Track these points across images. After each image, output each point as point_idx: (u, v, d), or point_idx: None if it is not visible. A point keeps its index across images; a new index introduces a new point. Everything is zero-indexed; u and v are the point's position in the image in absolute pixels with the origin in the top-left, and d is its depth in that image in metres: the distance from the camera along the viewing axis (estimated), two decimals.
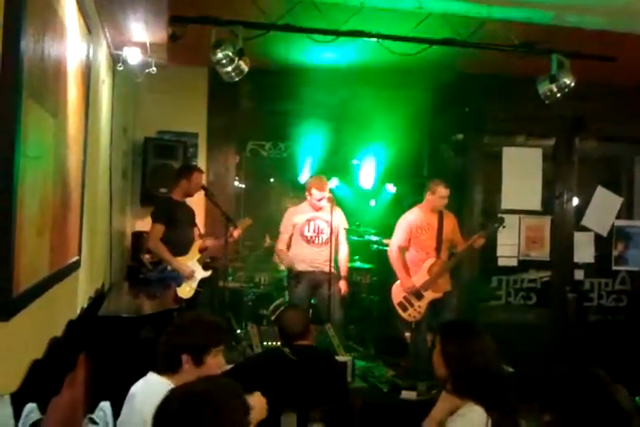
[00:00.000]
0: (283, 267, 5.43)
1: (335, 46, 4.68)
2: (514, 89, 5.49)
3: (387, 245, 5.69)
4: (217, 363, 2.27)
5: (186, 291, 4.79)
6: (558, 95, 4.64)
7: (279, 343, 3.38)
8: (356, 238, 6.20)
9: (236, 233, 5.06)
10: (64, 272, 2.39)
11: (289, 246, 5.39)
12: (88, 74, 2.81)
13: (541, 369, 1.95)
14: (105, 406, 2.56)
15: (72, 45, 2.35)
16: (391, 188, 7.02)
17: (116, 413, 2.41)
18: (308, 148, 6.66)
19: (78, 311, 2.95)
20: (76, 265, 2.71)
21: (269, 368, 3.13)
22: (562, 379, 1.89)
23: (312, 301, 5.47)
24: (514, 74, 5.29)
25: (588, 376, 1.86)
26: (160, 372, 2.25)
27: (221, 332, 2.33)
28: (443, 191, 5.11)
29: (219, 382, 1.68)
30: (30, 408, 1.83)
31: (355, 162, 7.19)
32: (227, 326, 2.49)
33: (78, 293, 2.93)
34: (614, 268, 6.33)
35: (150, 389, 2.17)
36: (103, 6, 3.08)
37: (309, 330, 3.33)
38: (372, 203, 7.24)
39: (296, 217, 5.37)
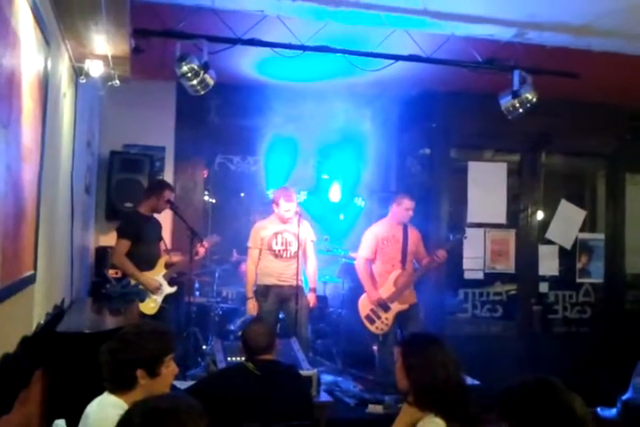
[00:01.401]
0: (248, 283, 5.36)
1: (301, 61, 4.72)
2: (480, 105, 5.57)
3: (354, 259, 5.71)
4: (171, 371, 2.23)
5: (150, 307, 4.72)
6: (520, 111, 4.73)
7: (243, 358, 3.33)
8: (324, 252, 6.20)
9: (202, 250, 5.01)
10: (17, 287, 2.33)
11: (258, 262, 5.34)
12: (46, 86, 2.78)
13: (507, 381, 1.96)
14: (60, 424, 2.50)
15: (27, 57, 2.32)
16: (360, 202, 7.05)
17: None
18: (277, 162, 6.66)
19: (34, 327, 2.88)
20: (31, 279, 2.65)
21: (233, 383, 3.09)
22: (519, 387, 1.91)
23: (280, 315, 5.44)
24: (479, 90, 5.38)
25: (545, 384, 1.88)
26: (114, 391, 2.18)
27: (168, 339, 2.28)
28: (408, 203, 5.20)
29: (180, 399, 1.67)
30: None
31: (324, 176, 7.20)
32: (170, 331, 2.42)
33: (34, 308, 2.87)
34: (578, 280, 6.43)
35: (103, 411, 2.11)
36: (63, 17, 3.05)
37: (274, 344, 3.30)
38: (341, 217, 7.25)
39: (263, 231, 5.32)
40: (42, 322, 3.08)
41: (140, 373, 2.13)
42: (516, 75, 4.66)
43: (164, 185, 5.06)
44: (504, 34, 4.38)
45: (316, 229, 5.64)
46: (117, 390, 2.15)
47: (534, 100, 4.69)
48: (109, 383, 2.18)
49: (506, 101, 4.78)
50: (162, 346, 2.21)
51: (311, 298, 5.32)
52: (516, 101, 4.72)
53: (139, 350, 2.15)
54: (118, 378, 2.16)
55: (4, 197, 2.04)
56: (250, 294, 5.25)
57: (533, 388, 1.87)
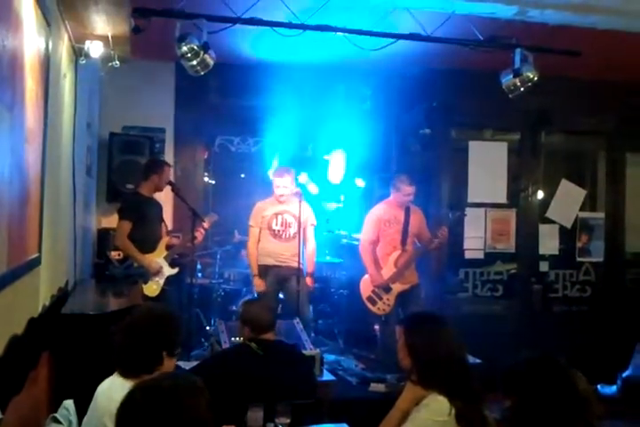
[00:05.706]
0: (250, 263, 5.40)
1: (302, 41, 4.67)
2: (480, 84, 5.53)
3: (356, 240, 5.72)
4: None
5: (152, 289, 4.74)
6: (522, 89, 4.70)
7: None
8: (325, 233, 6.22)
9: (199, 235, 4.99)
10: (23, 269, 2.34)
11: (258, 241, 5.37)
12: (47, 67, 2.76)
13: (508, 360, 1.99)
14: (68, 404, 2.53)
15: (29, 38, 2.30)
16: (360, 182, 7.04)
17: (81, 411, 2.39)
18: (277, 143, 6.64)
19: (40, 309, 2.90)
20: (36, 262, 2.66)
21: (237, 363, 3.13)
22: (523, 365, 1.94)
23: (280, 296, 5.47)
24: (480, 68, 5.33)
25: (548, 363, 1.91)
26: (127, 375, 2.21)
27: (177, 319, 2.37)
28: (407, 189, 5.18)
29: (181, 377, 1.69)
30: None
31: (325, 157, 7.18)
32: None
33: (40, 290, 2.88)
34: (578, 259, 6.45)
35: (111, 393, 2.14)
36: None
37: (275, 323, 3.33)
38: (342, 198, 7.24)
39: (265, 211, 5.36)
40: (47, 304, 3.10)
41: (164, 354, 2.21)
42: (518, 53, 4.62)
43: (162, 163, 5.12)
44: (505, 12, 4.34)
45: (317, 210, 5.64)
46: (132, 373, 2.19)
47: (535, 78, 4.66)
48: (126, 367, 2.21)
49: (507, 80, 4.74)
50: (176, 325, 2.30)
51: (308, 282, 5.36)
52: (517, 80, 4.68)
53: (165, 332, 2.25)
54: (145, 360, 2.20)
55: (10, 181, 2.04)
56: (255, 271, 5.30)
57: (538, 365, 1.90)
